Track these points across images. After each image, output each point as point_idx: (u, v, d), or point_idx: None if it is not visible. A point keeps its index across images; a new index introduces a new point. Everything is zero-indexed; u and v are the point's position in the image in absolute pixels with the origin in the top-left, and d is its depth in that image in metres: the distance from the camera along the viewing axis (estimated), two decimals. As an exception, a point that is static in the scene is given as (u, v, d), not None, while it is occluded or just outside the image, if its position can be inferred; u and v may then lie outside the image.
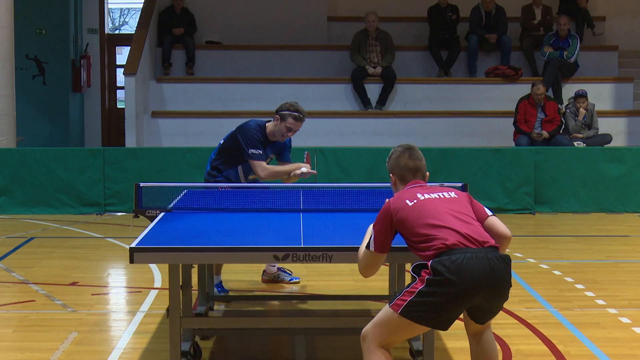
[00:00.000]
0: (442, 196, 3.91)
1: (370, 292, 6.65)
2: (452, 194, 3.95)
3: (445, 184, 6.00)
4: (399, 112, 13.15)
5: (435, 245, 3.71)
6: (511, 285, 3.79)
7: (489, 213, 4.00)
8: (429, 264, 3.68)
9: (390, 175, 4.10)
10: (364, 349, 3.78)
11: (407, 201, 3.86)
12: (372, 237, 3.92)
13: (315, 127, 12.69)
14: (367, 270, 3.97)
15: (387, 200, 3.96)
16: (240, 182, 6.45)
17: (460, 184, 5.53)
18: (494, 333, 5.49)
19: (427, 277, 3.65)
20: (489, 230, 3.91)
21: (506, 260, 3.75)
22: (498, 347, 5.21)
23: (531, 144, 11.85)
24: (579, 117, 12.23)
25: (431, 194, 3.91)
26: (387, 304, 3.78)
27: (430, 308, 3.65)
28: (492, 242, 3.79)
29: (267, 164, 6.42)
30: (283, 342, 5.48)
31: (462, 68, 13.82)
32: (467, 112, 13.14)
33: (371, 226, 4.01)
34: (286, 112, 6.33)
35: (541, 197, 11.06)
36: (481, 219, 3.94)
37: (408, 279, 5.28)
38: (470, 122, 13.09)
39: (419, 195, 3.88)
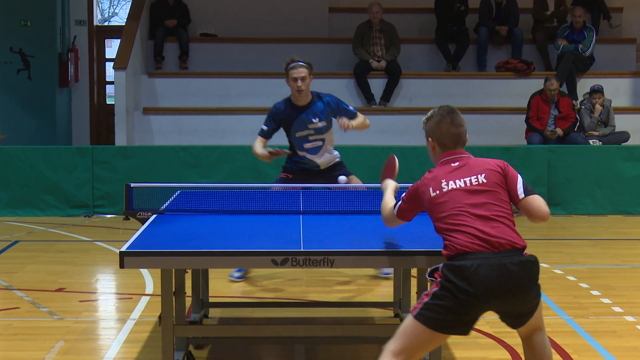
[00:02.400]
0: (469, 184, 3.88)
1: (374, 299, 6.66)
2: (482, 178, 3.90)
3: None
4: (405, 109, 13.15)
5: (449, 247, 3.76)
6: (535, 288, 3.80)
7: (522, 194, 3.94)
8: (441, 267, 3.73)
9: (429, 139, 4.09)
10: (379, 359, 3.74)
11: (431, 190, 3.91)
12: (400, 202, 4.09)
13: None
14: (388, 223, 4.26)
15: (424, 177, 4.02)
16: (298, 154, 7.19)
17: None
18: (503, 342, 5.50)
19: (440, 279, 3.70)
20: (525, 211, 3.95)
21: (526, 265, 3.76)
22: (553, 351, 5.22)
23: (544, 142, 11.85)
24: (595, 113, 12.23)
25: (457, 181, 3.89)
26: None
27: (443, 312, 3.66)
28: (513, 242, 3.79)
29: (316, 129, 7.09)
30: (282, 351, 5.49)
31: (471, 62, 13.82)
32: (476, 109, 13.13)
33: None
34: (285, 70, 7.00)
35: (555, 198, 11.06)
36: (514, 201, 3.93)
37: (414, 284, 5.28)
38: (480, 119, 13.08)
39: (443, 185, 3.89)
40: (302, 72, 6.92)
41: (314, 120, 7.05)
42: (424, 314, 3.68)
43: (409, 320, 3.73)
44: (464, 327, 3.73)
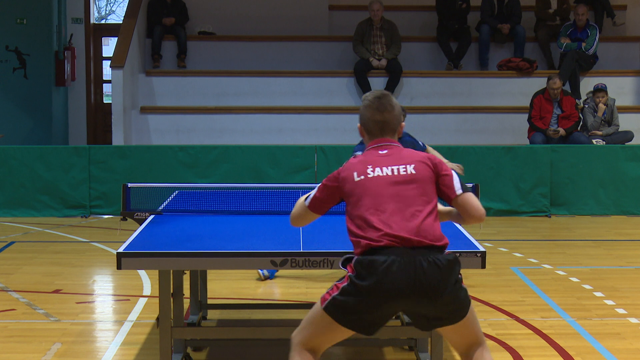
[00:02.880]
0: (395, 172, 3.70)
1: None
2: (411, 169, 3.71)
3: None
4: (405, 108, 13.12)
5: (363, 241, 3.58)
6: (451, 291, 3.54)
7: (458, 191, 3.72)
8: (353, 261, 3.58)
9: (358, 125, 3.92)
10: (290, 352, 3.69)
11: (355, 174, 3.72)
12: (314, 191, 3.86)
13: (315, 123, 12.70)
14: (295, 220, 3.95)
15: (346, 164, 3.82)
16: None
17: (470, 185, 5.53)
18: (506, 344, 5.51)
19: (350, 274, 3.56)
20: (460, 209, 3.74)
21: (441, 264, 3.53)
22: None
23: (547, 141, 11.85)
24: (598, 113, 12.23)
25: (384, 168, 3.71)
26: None
27: (350, 308, 3.53)
28: (432, 239, 3.58)
29: None
30: (281, 353, 5.48)
31: (472, 60, 13.82)
32: (478, 108, 13.13)
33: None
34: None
35: (557, 198, 11.07)
36: (449, 199, 3.74)
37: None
38: (482, 119, 13.08)
39: (368, 171, 3.71)
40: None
41: None
42: (332, 309, 3.56)
43: (317, 310, 3.61)
44: (370, 327, 3.60)
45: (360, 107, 3.91)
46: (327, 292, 3.60)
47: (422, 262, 3.51)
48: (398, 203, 3.63)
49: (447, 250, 3.62)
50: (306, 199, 3.88)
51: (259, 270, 7.40)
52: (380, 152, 3.79)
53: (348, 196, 3.72)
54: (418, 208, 3.64)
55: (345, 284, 3.55)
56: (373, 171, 3.71)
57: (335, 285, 3.59)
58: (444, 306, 3.55)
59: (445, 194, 3.74)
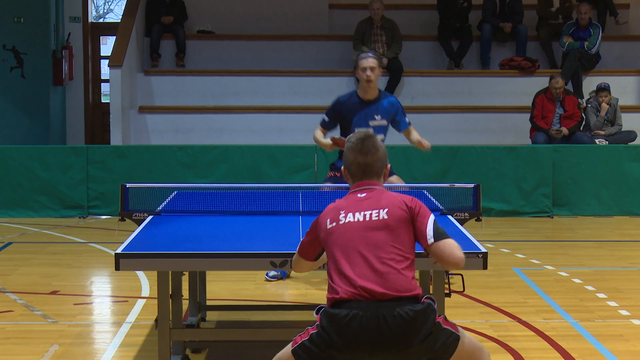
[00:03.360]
0: (367, 218, 3.61)
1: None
2: (384, 214, 3.60)
3: (457, 184, 6.03)
4: (406, 107, 13.10)
5: (330, 292, 3.56)
6: (420, 343, 3.46)
7: (430, 239, 3.59)
8: (321, 311, 3.56)
9: (342, 168, 3.86)
10: None
11: (328, 222, 3.67)
12: (302, 239, 3.88)
13: (315, 123, 12.62)
14: (295, 266, 3.98)
15: (330, 204, 3.78)
16: None
17: (472, 185, 5.53)
18: (508, 346, 5.51)
19: (317, 324, 3.56)
20: (436, 258, 3.62)
21: (409, 316, 3.44)
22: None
23: (549, 141, 11.85)
24: (601, 112, 12.23)
25: (357, 214, 3.62)
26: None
27: (316, 357, 3.53)
28: (400, 291, 3.48)
29: (377, 127, 7.08)
30: (281, 355, 5.48)
31: (474, 60, 13.82)
32: (479, 107, 13.13)
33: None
34: (355, 61, 7.09)
35: (560, 199, 11.06)
36: (422, 246, 3.64)
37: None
38: (483, 118, 13.08)
39: (340, 217, 3.64)
40: (371, 62, 6.97)
41: (376, 117, 7.13)
42: (299, 352, 3.57)
43: (287, 351, 3.63)
44: None
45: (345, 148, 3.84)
46: (299, 335, 3.61)
47: (385, 316, 3.43)
48: (367, 251, 3.54)
49: (423, 299, 3.51)
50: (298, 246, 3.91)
51: (266, 275, 7.37)
52: (359, 195, 3.71)
53: (323, 244, 3.70)
54: (388, 256, 3.54)
55: (314, 332, 3.55)
56: (345, 217, 3.64)
57: (307, 329, 3.59)
58: (419, 356, 3.49)
59: (419, 241, 3.64)
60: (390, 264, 3.52)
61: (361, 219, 3.61)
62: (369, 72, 6.97)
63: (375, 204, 3.64)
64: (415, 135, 7.42)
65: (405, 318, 3.43)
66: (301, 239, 3.86)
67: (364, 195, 3.70)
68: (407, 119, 7.32)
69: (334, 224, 3.64)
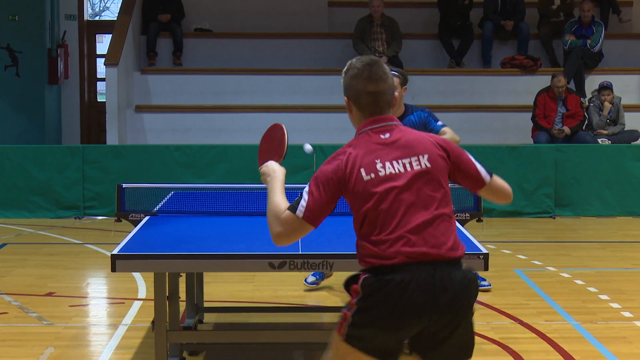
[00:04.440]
0: (409, 168, 3.22)
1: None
2: (426, 161, 3.23)
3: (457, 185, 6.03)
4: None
5: (372, 257, 3.17)
6: (470, 320, 3.23)
7: (486, 178, 3.36)
8: (359, 281, 3.16)
9: (345, 98, 3.38)
10: None
11: (363, 171, 3.21)
12: (305, 198, 3.29)
13: (315, 122, 12.69)
14: (284, 238, 3.30)
15: (341, 152, 3.31)
16: None
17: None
18: (509, 348, 5.51)
19: (356, 299, 3.15)
20: (492, 195, 3.40)
21: (467, 281, 3.18)
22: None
23: (551, 141, 11.85)
24: (604, 111, 12.24)
25: (395, 163, 3.22)
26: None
27: (368, 335, 3.15)
28: (454, 250, 3.20)
29: None
30: (278, 357, 5.49)
31: (475, 58, 13.83)
32: (481, 106, 13.14)
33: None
34: None
35: (562, 199, 11.07)
36: (475, 187, 3.38)
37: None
38: (485, 117, 13.09)
39: (378, 167, 3.21)
40: (397, 82, 6.55)
41: None
42: (352, 340, 3.17)
43: (340, 345, 3.21)
44: (393, 354, 3.20)
45: (344, 76, 3.38)
46: (339, 323, 3.21)
47: (442, 278, 3.13)
48: (414, 207, 3.18)
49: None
50: (294, 209, 3.28)
51: (305, 281, 7.18)
52: (382, 136, 3.28)
53: (354, 198, 3.22)
54: (437, 212, 3.21)
55: (354, 310, 3.15)
56: (383, 167, 3.21)
57: (344, 311, 3.20)
58: (462, 335, 3.20)
59: (470, 184, 3.37)
60: (440, 221, 3.20)
61: (401, 169, 3.21)
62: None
63: (410, 149, 3.25)
64: (449, 134, 7.27)
65: (466, 279, 3.17)
66: (306, 198, 3.28)
67: (388, 136, 3.28)
68: (439, 122, 6.93)
69: (372, 174, 3.20)
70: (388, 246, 3.14)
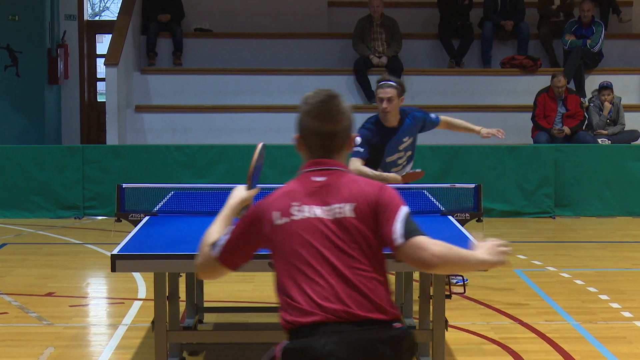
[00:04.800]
0: (329, 215, 2.85)
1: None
2: (349, 210, 2.84)
3: (457, 185, 6.03)
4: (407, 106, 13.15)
5: (291, 314, 2.78)
6: None
7: (399, 240, 2.81)
8: (279, 348, 2.79)
9: (296, 135, 3.03)
10: None
11: (276, 214, 2.88)
12: (225, 236, 2.99)
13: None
14: (202, 271, 3.07)
15: (270, 195, 2.98)
16: None
17: (473, 185, 5.53)
18: (509, 348, 5.51)
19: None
20: (405, 258, 2.85)
21: (399, 343, 2.80)
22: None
23: (551, 141, 11.85)
24: (604, 111, 12.24)
25: (315, 208, 2.86)
26: None
27: None
28: (383, 310, 2.80)
29: (405, 148, 6.66)
30: (279, 358, 5.48)
31: (475, 58, 13.83)
32: (481, 106, 13.13)
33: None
34: (375, 90, 6.67)
35: (562, 199, 11.07)
36: (389, 246, 2.86)
37: (416, 288, 5.29)
38: (485, 117, 13.05)
39: (294, 210, 2.86)
40: (388, 92, 6.51)
41: (404, 139, 6.68)
42: None
43: None
44: None
45: (299, 111, 3.02)
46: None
47: (376, 341, 2.75)
48: (335, 258, 2.80)
49: (397, 323, 2.85)
50: (213, 246, 2.99)
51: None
52: (315, 179, 2.92)
53: (267, 244, 2.91)
54: (362, 266, 2.81)
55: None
56: (300, 210, 2.86)
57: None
58: None
59: (384, 238, 2.86)
60: (366, 274, 2.80)
61: (321, 215, 2.85)
62: (385, 104, 6.52)
63: (337, 194, 2.87)
64: (459, 121, 7.24)
65: (398, 342, 2.80)
66: (225, 237, 2.98)
67: (322, 179, 2.92)
68: (433, 115, 6.94)
69: (286, 219, 2.86)
70: (304, 300, 2.77)
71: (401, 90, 6.61)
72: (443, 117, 7.08)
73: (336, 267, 2.79)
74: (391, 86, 6.57)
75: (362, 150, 6.51)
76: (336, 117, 2.95)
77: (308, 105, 2.97)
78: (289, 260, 2.83)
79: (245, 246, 2.95)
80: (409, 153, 6.75)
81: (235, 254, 2.95)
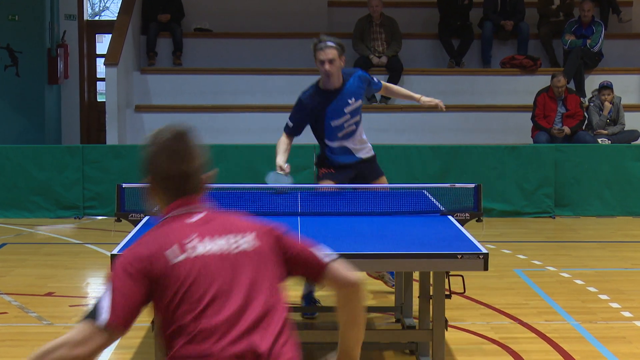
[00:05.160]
0: (233, 245, 2.64)
1: (376, 304, 6.66)
2: (253, 239, 2.67)
3: (457, 185, 6.03)
4: (406, 106, 13.15)
5: (190, 357, 2.56)
6: None
7: (324, 259, 2.80)
8: None
9: (149, 177, 2.80)
10: None
11: (169, 254, 2.58)
12: (102, 301, 2.56)
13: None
14: (83, 354, 2.54)
15: (149, 231, 2.72)
16: (331, 146, 6.41)
17: (472, 185, 5.54)
18: (509, 348, 5.51)
19: None
20: (331, 281, 2.83)
21: None
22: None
23: (551, 141, 11.86)
24: (604, 111, 12.24)
25: (215, 240, 2.63)
26: None
27: None
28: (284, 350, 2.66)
29: (353, 111, 6.33)
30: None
31: (475, 58, 13.83)
32: (480, 106, 13.14)
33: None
34: (312, 51, 6.33)
35: (562, 199, 11.07)
36: (315, 275, 2.84)
37: (416, 288, 5.29)
38: (485, 117, 13.09)
39: (191, 244, 2.60)
40: (329, 53, 6.18)
41: (349, 101, 6.29)
42: None
43: None
44: None
45: (145, 151, 2.81)
46: None
47: None
48: (243, 293, 2.60)
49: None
50: (94, 316, 2.53)
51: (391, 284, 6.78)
52: (188, 220, 2.67)
53: (160, 288, 2.55)
54: (273, 302, 2.68)
55: None
56: (201, 243, 2.61)
57: None
58: None
59: (308, 270, 2.81)
60: (277, 309, 2.68)
61: (225, 247, 2.63)
62: (327, 66, 6.19)
63: (229, 226, 2.68)
64: (400, 89, 6.93)
65: None
66: (112, 303, 2.55)
67: (199, 217, 2.69)
68: (375, 79, 6.62)
69: (184, 256, 2.57)
70: (207, 342, 2.54)
71: (341, 50, 6.30)
72: (384, 83, 6.80)
73: (244, 303, 2.60)
74: (331, 47, 6.24)
75: (290, 124, 6.35)
76: (192, 154, 2.76)
77: (157, 145, 2.76)
78: (194, 298, 2.55)
79: (135, 300, 2.56)
80: (357, 117, 6.39)
81: (128, 312, 2.55)
